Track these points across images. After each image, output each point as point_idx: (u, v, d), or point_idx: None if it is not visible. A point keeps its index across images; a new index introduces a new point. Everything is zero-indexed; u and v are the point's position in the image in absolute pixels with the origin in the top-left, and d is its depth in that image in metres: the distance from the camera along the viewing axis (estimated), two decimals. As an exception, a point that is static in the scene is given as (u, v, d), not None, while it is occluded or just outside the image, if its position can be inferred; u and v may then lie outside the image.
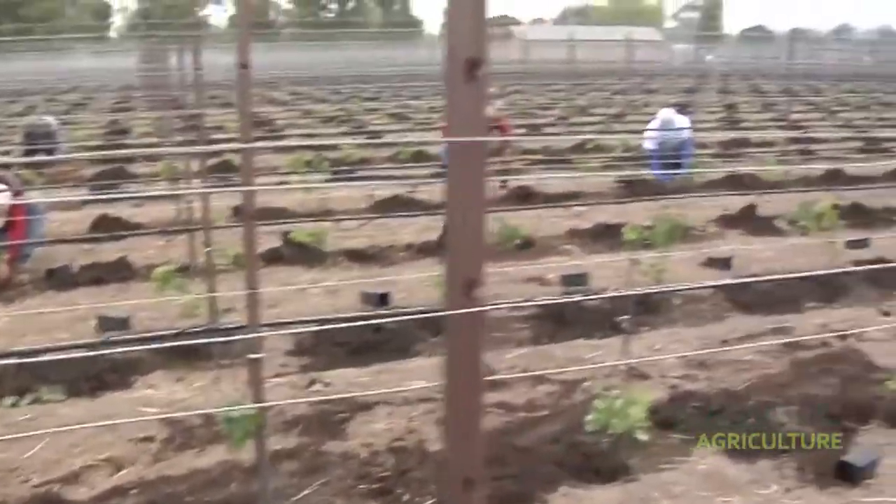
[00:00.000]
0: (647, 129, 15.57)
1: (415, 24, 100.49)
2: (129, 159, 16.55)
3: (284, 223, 10.76)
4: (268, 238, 10.08)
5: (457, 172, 2.07)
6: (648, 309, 7.93)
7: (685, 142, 14.88)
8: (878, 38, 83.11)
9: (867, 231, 10.99)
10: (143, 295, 7.94)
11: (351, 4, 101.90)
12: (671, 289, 7.97)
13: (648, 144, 15.18)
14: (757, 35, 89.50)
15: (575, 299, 7.86)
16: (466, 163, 2.05)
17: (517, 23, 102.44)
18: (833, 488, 4.97)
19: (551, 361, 6.74)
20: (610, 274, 8.57)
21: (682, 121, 15.14)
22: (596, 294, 8.16)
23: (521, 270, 9.11)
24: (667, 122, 14.76)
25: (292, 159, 15.06)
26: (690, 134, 15.20)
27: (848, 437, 5.55)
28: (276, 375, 6.49)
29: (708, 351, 6.78)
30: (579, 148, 18.05)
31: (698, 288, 8.26)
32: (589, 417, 5.20)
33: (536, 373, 6.33)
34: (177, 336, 6.72)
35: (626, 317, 4.99)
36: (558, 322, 7.62)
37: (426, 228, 10.77)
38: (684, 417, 5.68)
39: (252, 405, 3.90)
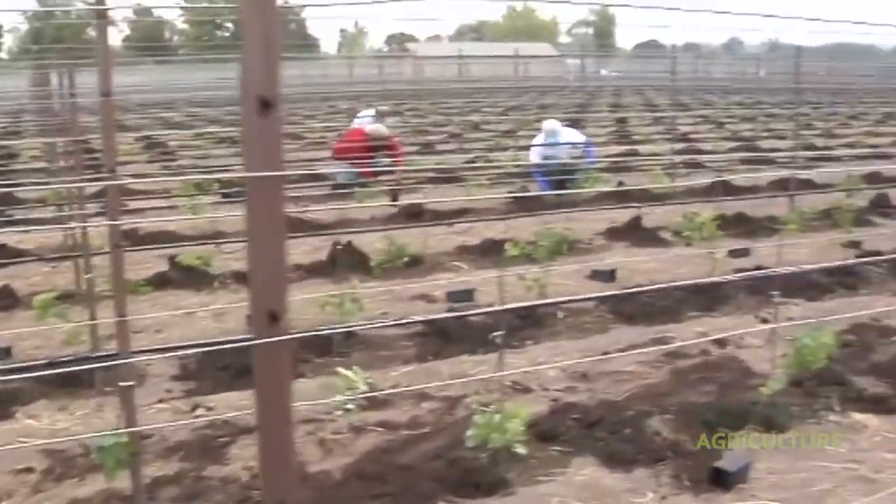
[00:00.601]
0: (532, 144, 15.81)
1: (311, 43, 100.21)
2: (17, 183, 16.22)
3: (173, 247, 10.69)
4: (156, 262, 10.02)
5: (255, 206, 2.11)
6: (533, 323, 8.05)
7: (588, 148, 15.25)
8: (765, 53, 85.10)
9: (750, 240, 11.26)
10: (28, 323, 7.81)
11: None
12: (548, 302, 8.06)
13: (534, 157, 15.42)
14: (648, 53, 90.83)
15: (435, 317, 7.88)
16: (264, 196, 2.09)
17: (414, 40, 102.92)
18: (706, 494, 5.10)
19: (435, 378, 6.78)
20: (496, 290, 8.63)
21: (570, 133, 15.41)
22: (480, 309, 8.22)
23: (409, 288, 9.18)
24: (550, 133, 15.01)
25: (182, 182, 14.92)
26: (591, 143, 15.55)
27: (723, 442, 5.70)
28: (160, 401, 6.46)
29: (589, 359, 6.90)
30: (471, 164, 18.20)
31: (578, 300, 8.34)
32: (469, 433, 5.27)
33: (419, 387, 6.38)
34: (49, 365, 6.62)
35: (499, 332, 5.05)
36: (444, 338, 7.68)
37: (316, 249, 10.76)
38: (564, 430, 5.76)
39: (124, 432, 3.89)
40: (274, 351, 2.22)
